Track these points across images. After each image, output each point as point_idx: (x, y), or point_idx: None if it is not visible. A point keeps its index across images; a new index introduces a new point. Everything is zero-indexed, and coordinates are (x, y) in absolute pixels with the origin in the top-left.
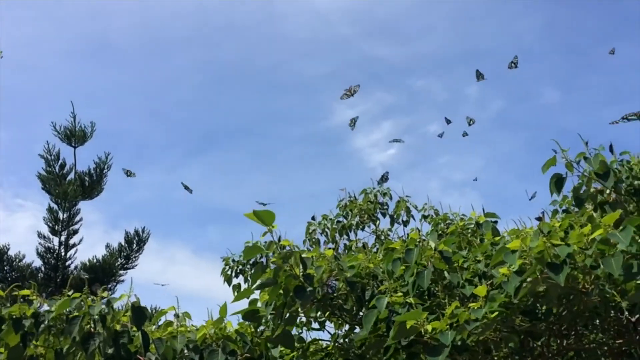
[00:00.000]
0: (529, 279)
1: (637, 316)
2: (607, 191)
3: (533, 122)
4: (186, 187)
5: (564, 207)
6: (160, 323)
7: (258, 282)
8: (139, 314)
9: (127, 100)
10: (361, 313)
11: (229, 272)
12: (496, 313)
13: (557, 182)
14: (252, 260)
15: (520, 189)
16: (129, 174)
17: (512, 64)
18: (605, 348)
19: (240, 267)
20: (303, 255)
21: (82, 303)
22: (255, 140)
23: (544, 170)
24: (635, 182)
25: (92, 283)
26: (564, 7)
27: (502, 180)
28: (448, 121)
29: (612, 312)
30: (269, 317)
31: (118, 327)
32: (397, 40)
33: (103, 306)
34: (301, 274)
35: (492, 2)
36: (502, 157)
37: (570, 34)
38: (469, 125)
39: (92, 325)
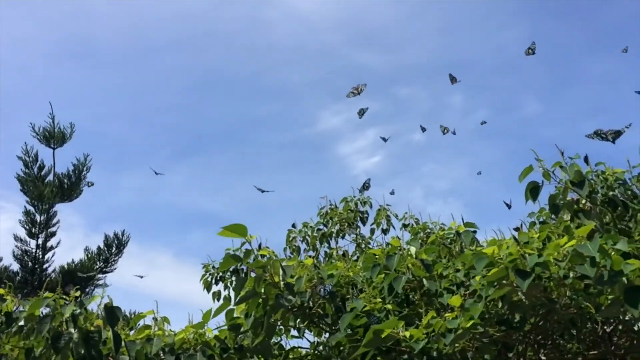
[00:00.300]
0: (502, 287)
1: (612, 327)
2: (583, 201)
3: (516, 132)
4: (156, 172)
5: (541, 219)
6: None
7: (239, 297)
8: (111, 314)
9: (110, 102)
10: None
11: (208, 279)
12: (471, 322)
13: (533, 190)
14: (232, 267)
15: (503, 199)
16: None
17: (530, 50)
18: (580, 359)
19: (220, 274)
20: (283, 264)
21: (55, 303)
22: (239, 146)
23: (521, 179)
24: (610, 193)
25: (66, 284)
26: (548, 21)
27: (485, 190)
28: (423, 129)
29: (588, 323)
30: (249, 326)
31: (92, 328)
32: (383, 48)
33: (75, 307)
34: (282, 282)
35: (477, 14)
36: (485, 167)
37: (553, 47)
38: (444, 134)
39: (64, 326)
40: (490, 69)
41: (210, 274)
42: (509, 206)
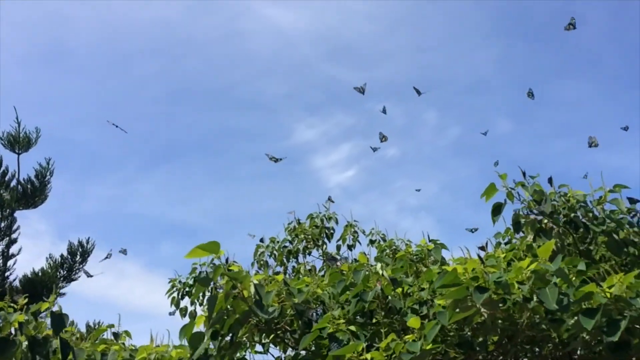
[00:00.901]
0: (464, 310)
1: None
2: (545, 220)
3: (487, 150)
4: (116, 126)
5: (507, 238)
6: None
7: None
8: (58, 321)
9: (82, 109)
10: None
11: (175, 295)
12: (430, 345)
13: (495, 209)
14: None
15: (473, 216)
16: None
17: (570, 26)
18: None
19: (187, 288)
20: (255, 282)
21: (4, 312)
22: (212, 156)
23: (487, 199)
24: (572, 215)
25: (16, 294)
26: (519, 43)
27: (456, 206)
28: (383, 137)
29: (550, 344)
30: (211, 345)
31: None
32: (358, 64)
33: (23, 315)
34: (253, 299)
35: (451, 34)
36: (457, 183)
37: (523, 69)
38: (382, 141)
39: (12, 333)
40: (463, 88)
41: (176, 289)
42: (472, 231)
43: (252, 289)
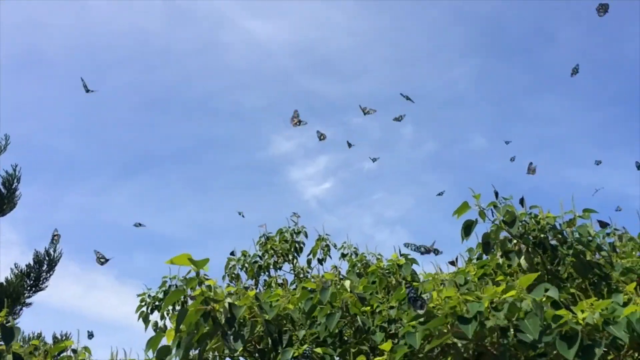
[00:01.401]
0: (440, 337)
1: None
2: (514, 240)
3: (462, 165)
4: (86, 87)
5: (478, 254)
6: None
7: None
8: (8, 334)
9: (57, 116)
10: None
11: (144, 310)
12: None
13: (467, 228)
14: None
15: (448, 230)
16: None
17: (601, 8)
18: None
19: (157, 302)
20: (228, 301)
21: None
22: (189, 167)
23: (457, 216)
24: (542, 235)
25: None
26: (494, 60)
27: (431, 220)
28: (349, 145)
29: None
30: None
31: None
32: (336, 77)
33: None
34: (224, 317)
35: (428, 50)
36: (432, 197)
37: (499, 85)
38: (320, 140)
39: None
40: (440, 102)
41: (146, 304)
42: (436, 252)
43: (226, 306)
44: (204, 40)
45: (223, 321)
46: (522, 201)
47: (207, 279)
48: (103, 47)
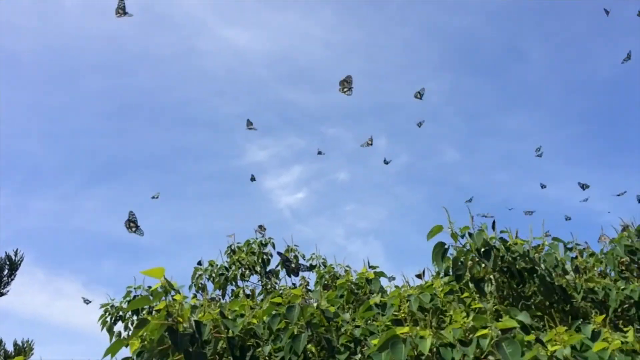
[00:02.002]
0: None
1: None
2: (483, 265)
3: (435, 178)
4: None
5: (445, 267)
6: None
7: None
8: None
9: (25, 120)
10: None
11: (107, 320)
12: None
13: (442, 254)
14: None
15: (420, 242)
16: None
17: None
18: None
19: (121, 312)
20: (194, 319)
21: None
22: (161, 174)
23: (429, 237)
24: (509, 258)
25: None
26: (467, 76)
27: (404, 232)
28: (320, 152)
29: None
30: None
31: None
32: (312, 87)
33: None
34: (188, 332)
35: (402, 63)
36: (405, 209)
37: (471, 101)
38: (248, 127)
39: None
40: (413, 116)
41: (109, 314)
42: (389, 279)
43: (192, 324)
44: (181, 46)
45: (187, 337)
46: (493, 225)
47: (175, 290)
48: (76, 51)
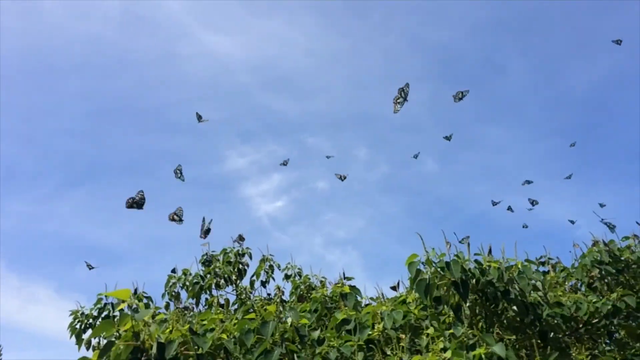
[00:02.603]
0: None
1: None
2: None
3: (414, 188)
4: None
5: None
6: None
7: None
8: None
9: (3, 121)
10: None
11: (77, 327)
12: None
13: (425, 289)
14: (104, 314)
15: (398, 250)
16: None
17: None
18: None
19: (90, 320)
20: (158, 341)
21: None
22: (139, 178)
23: (408, 266)
24: (484, 280)
25: None
26: (447, 88)
27: (383, 241)
28: (285, 163)
29: None
30: None
31: None
32: (294, 95)
33: None
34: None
35: (382, 74)
36: (384, 219)
37: (450, 112)
38: (199, 121)
39: None
40: (394, 126)
41: (79, 321)
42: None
43: (155, 345)
44: (162, 51)
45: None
46: (468, 246)
47: (145, 304)
48: (56, 52)
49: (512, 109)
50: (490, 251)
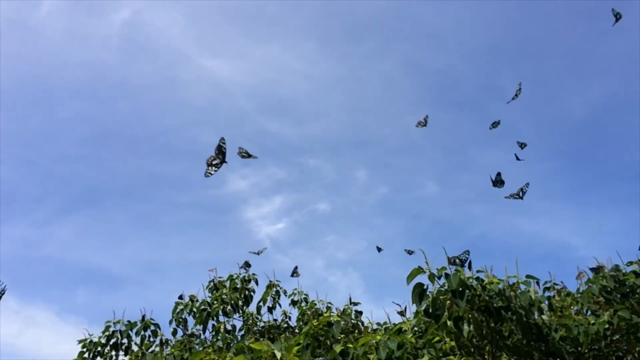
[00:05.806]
0: None
1: None
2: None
3: (413, 210)
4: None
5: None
6: None
7: None
8: None
9: (2, 146)
10: None
11: (86, 356)
12: None
13: (420, 294)
14: (112, 341)
15: (397, 273)
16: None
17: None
18: None
19: (99, 348)
20: None
21: None
22: (137, 203)
23: (408, 281)
24: (487, 298)
25: None
26: (444, 111)
27: (382, 263)
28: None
29: None
30: None
31: None
32: (293, 119)
33: None
34: None
35: (382, 98)
36: (384, 240)
37: (449, 135)
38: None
39: None
40: (393, 149)
41: (88, 350)
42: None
43: None
44: (161, 76)
45: None
46: (470, 265)
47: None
48: (55, 78)
49: (510, 132)
50: (491, 270)
